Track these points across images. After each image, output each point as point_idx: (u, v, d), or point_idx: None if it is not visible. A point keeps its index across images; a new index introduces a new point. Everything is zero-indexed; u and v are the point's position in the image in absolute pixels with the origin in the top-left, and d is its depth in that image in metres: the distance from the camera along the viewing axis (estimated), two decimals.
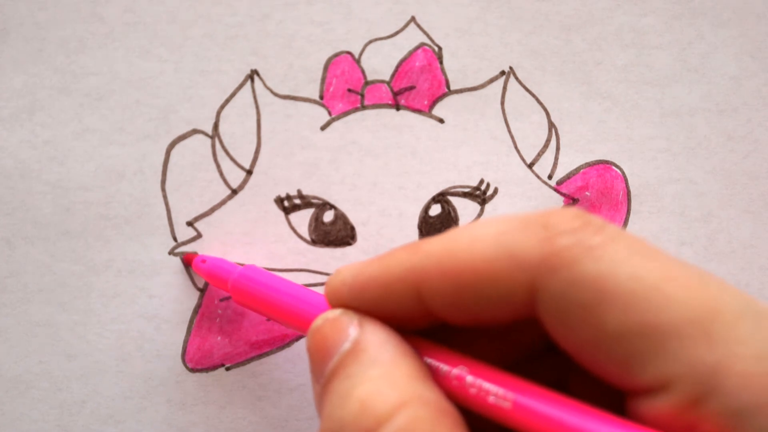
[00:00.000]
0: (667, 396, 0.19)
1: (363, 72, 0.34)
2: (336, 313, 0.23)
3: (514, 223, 0.21)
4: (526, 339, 0.24)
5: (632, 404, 0.20)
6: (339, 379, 0.22)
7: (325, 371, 0.22)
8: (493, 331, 0.23)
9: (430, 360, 0.22)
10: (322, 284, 0.34)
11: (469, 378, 0.21)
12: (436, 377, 0.22)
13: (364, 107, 0.34)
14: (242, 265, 0.31)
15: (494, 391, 0.21)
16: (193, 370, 0.34)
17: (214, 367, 0.34)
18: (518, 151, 0.34)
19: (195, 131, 0.33)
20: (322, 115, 0.34)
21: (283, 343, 0.34)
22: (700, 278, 0.19)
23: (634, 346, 0.19)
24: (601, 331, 0.19)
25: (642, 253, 0.20)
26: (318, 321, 0.23)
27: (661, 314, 0.19)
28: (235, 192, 0.33)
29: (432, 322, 0.23)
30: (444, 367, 0.22)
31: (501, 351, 0.24)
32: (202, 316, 0.34)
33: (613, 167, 0.35)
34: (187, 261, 0.33)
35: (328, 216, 0.34)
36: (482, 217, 0.34)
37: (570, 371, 0.23)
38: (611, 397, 0.21)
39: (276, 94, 0.33)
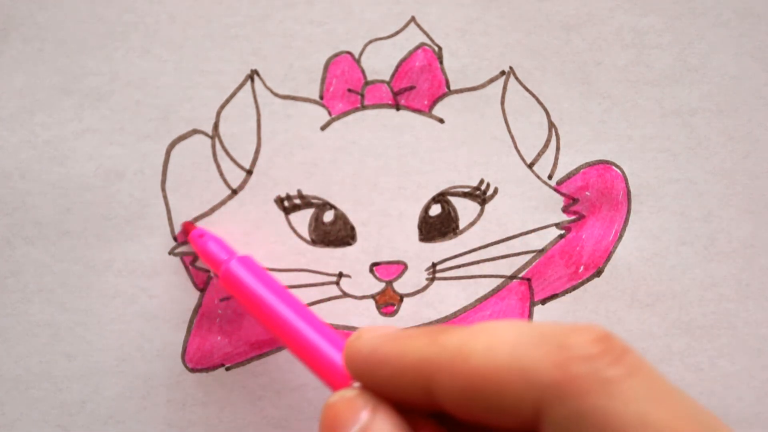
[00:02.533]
0: None
1: (363, 72, 0.34)
2: (352, 392, 0.24)
3: (532, 335, 0.21)
4: None
5: None
6: None
7: None
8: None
9: None
10: (322, 284, 0.34)
11: None
12: None
13: (364, 107, 0.34)
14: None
15: None
16: (193, 370, 0.34)
17: (214, 367, 0.34)
18: (518, 151, 0.34)
19: (195, 131, 0.33)
20: (322, 115, 0.34)
21: None
22: (705, 430, 0.19)
23: None
24: None
25: (656, 394, 0.19)
26: (334, 397, 0.24)
27: None
28: (235, 192, 0.33)
29: (438, 410, 0.23)
30: None
31: None
32: (202, 316, 0.34)
33: (613, 167, 0.35)
34: (186, 230, 0.33)
35: (328, 216, 0.34)
36: (482, 217, 0.34)
37: None
38: None
39: (276, 94, 0.33)
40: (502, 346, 0.21)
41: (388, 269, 0.34)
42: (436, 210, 0.34)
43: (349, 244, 0.34)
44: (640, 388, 0.19)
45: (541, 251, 0.35)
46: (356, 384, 0.24)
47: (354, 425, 0.23)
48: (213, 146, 0.33)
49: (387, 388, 0.23)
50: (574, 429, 0.19)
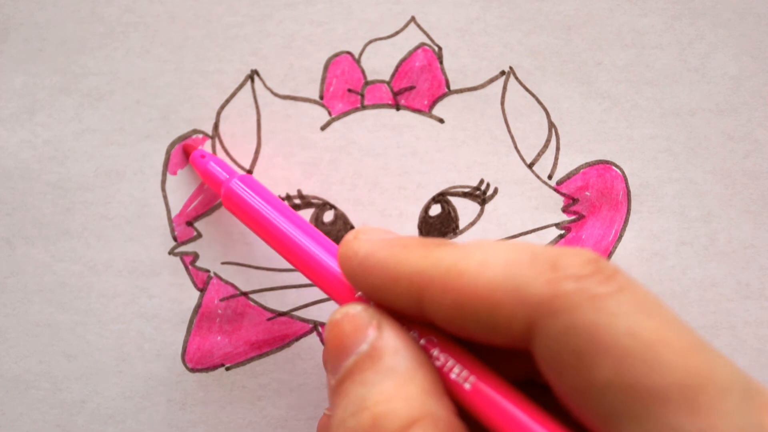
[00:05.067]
0: None
1: (363, 72, 0.34)
2: (357, 309, 0.24)
3: (524, 254, 0.21)
4: (519, 366, 0.24)
5: None
6: (353, 384, 0.22)
7: (340, 369, 0.23)
8: (489, 348, 0.24)
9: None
10: None
11: (436, 351, 0.23)
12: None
13: (364, 107, 0.34)
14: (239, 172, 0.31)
15: (458, 370, 0.22)
16: (193, 370, 0.34)
17: (214, 367, 0.34)
18: (518, 151, 0.34)
19: (195, 131, 0.33)
20: (322, 115, 0.34)
21: (283, 343, 0.34)
22: (696, 345, 0.19)
23: (619, 402, 0.19)
24: (590, 381, 0.19)
25: (645, 309, 0.20)
26: (337, 314, 0.24)
27: (651, 376, 0.19)
28: None
29: (429, 322, 0.23)
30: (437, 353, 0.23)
31: (494, 365, 0.24)
32: (202, 316, 0.34)
33: (613, 167, 0.35)
34: (186, 151, 0.33)
35: (328, 216, 0.34)
36: (482, 217, 0.34)
37: (552, 407, 0.23)
38: None
39: (276, 94, 0.33)
40: (495, 264, 0.21)
41: None
42: (436, 210, 0.34)
43: None
44: (629, 302, 0.20)
45: None
46: (358, 294, 0.25)
47: (361, 343, 0.23)
48: (213, 146, 0.33)
49: (379, 294, 0.23)
50: (565, 343, 0.20)
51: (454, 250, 0.22)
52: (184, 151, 0.33)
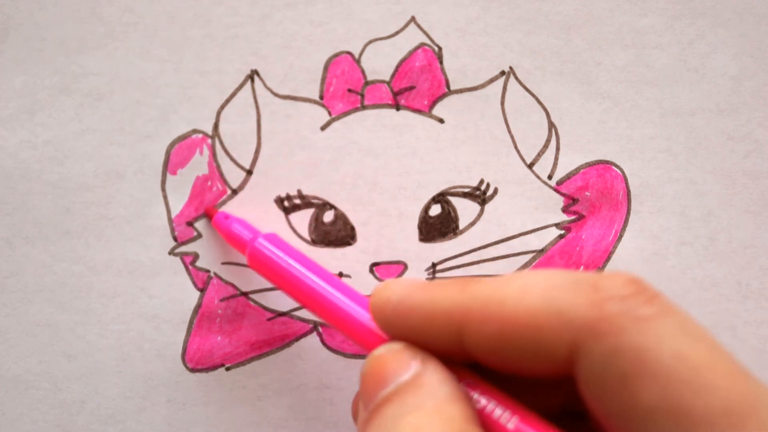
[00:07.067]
0: None
1: (363, 72, 0.34)
2: (399, 345, 0.23)
3: (565, 279, 0.21)
4: (554, 397, 0.24)
5: None
6: (392, 405, 0.22)
7: (376, 397, 0.22)
8: (525, 381, 0.23)
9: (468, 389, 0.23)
10: None
11: (476, 394, 0.22)
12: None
13: (364, 107, 0.34)
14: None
15: (499, 411, 0.22)
16: (193, 370, 0.34)
17: (214, 367, 0.34)
18: (518, 151, 0.34)
19: (195, 131, 0.33)
20: (322, 115, 0.34)
21: (283, 343, 0.34)
22: (741, 371, 0.19)
23: (663, 426, 0.19)
24: (635, 404, 0.19)
25: (689, 332, 0.20)
26: (381, 350, 0.23)
27: (698, 400, 0.18)
28: (235, 192, 0.33)
29: (467, 359, 0.23)
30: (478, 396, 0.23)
31: (528, 401, 0.23)
32: (202, 316, 0.34)
33: (613, 167, 0.35)
34: (208, 214, 0.33)
35: (328, 216, 0.34)
36: (482, 217, 0.34)
37: None
38: None
39: (276, 94, 0.33)
40: (536, 290, 0.21)
41: (388, 269, 0.34)
42: (436, 210, 0.34)
43: (349, 244, 0.34)
44: (674, 326, 0.19)
45: (541, 251, 0.35)
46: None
47: (404, 374, 0.22)
48: (213, 146, 0.33)
49: (416, 338, 0.23)
50: (609, 366, 0.19)
51: (491, 281, 0.22)
52: (206, 214, 0.33)
